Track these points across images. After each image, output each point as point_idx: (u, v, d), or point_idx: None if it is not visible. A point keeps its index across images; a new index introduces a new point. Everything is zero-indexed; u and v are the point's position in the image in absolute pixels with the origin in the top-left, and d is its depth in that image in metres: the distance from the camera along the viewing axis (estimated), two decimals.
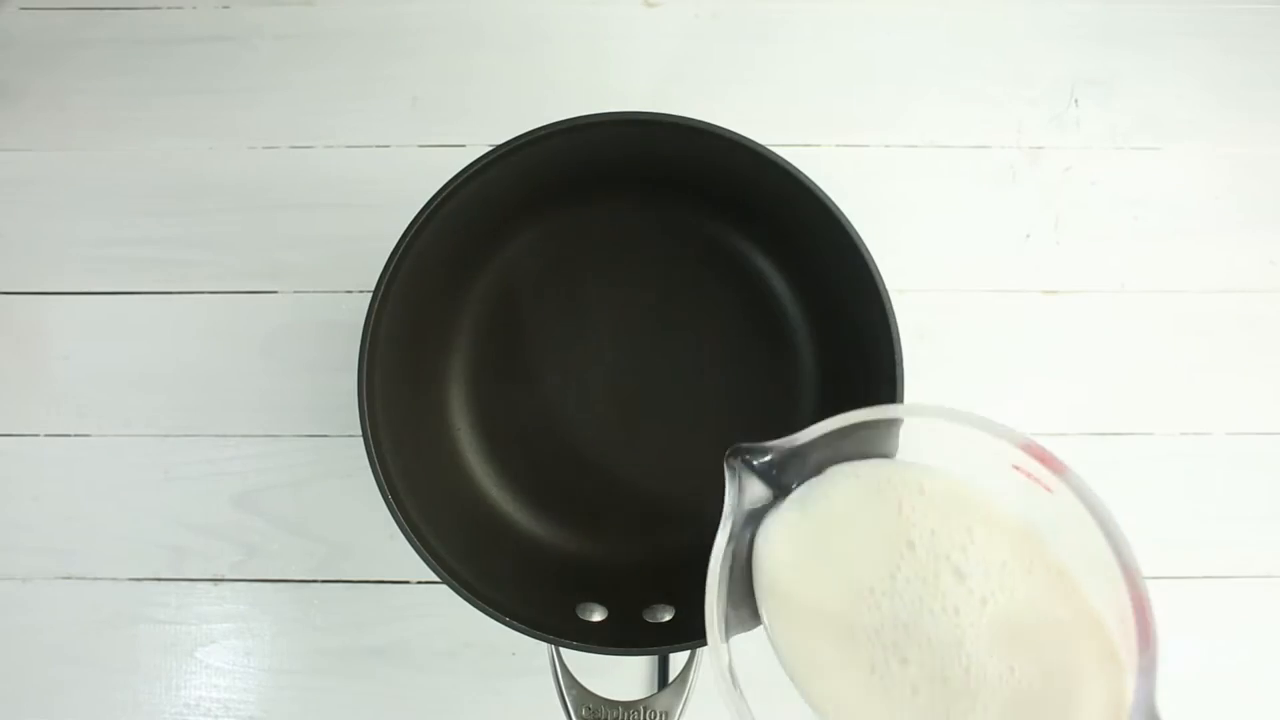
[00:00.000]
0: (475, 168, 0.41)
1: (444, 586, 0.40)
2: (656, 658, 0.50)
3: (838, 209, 0.41)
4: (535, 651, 0.50)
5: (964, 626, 0.27)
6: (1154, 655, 0.20)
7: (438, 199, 0.41)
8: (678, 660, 0.48)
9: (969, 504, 0.29)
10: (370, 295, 0.41)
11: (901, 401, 0.40)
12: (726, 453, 0.31)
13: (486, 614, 0.40)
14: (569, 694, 0.42)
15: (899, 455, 0.31)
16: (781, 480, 0.32)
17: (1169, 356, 0.53)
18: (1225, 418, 0.53)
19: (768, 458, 0.31)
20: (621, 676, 0.49)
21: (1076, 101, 0.56)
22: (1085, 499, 0.23)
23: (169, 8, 0.57)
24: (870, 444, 0.31)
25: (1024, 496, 0.27)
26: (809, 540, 0.31)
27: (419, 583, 0.51)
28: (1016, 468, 0.26)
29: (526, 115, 0.43)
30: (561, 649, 0.42)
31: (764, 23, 0.57)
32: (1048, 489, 0.25)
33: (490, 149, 0.42)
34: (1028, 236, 0.54)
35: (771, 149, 0.42)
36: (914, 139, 0.55)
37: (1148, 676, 0.20)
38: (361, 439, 0.40)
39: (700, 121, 0.41)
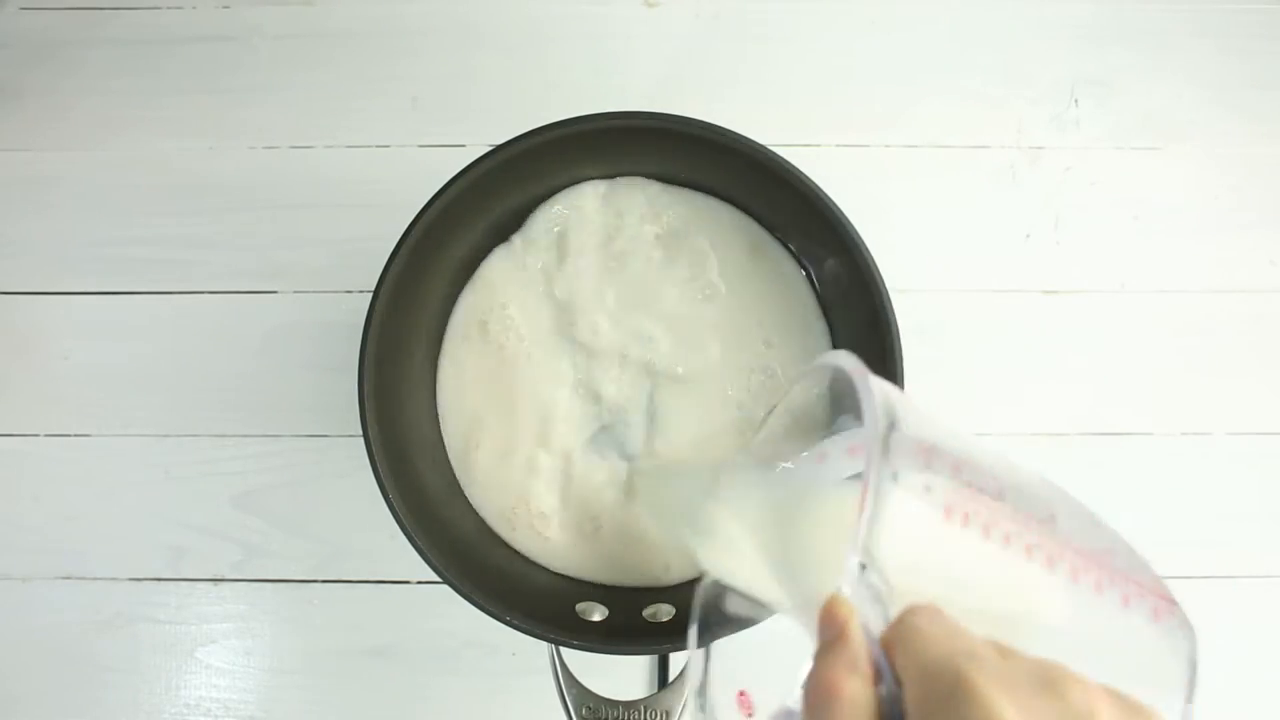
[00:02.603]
0: (475, 167, 0.41)
1: (444, 586, 0.40)
2: (656, 657, 0.50)
3: (838, 209, 0.41)
4: (535, 651, 0.50)
5: None
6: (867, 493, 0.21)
7: (437, 199, 0.41)
8: (678, 660, 0.48)
9: None
10: (370, 295, 0.41)
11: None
12: None
13: (486, 614, 0.40)
14: (569, 693, 0.42)
15: None
16: None
17: (1169, 356, 0.53)
18: (1225, 418, 0.53)
19: None
20: (621, 676, 0.49)
21: (1076, 101, 0.56)
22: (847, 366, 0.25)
23: (169, 8, 0.57)
24: None
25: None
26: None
27: (419, 583, 0.51)
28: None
29: (526, 115, 0.43)
30: (562, 649, 0.42)
31: (764, 23, 0.57)
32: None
33: (490, 149, 0.42)
34: (1028, 236, 0.54)
35: (771, 149, 0.42)
36: (914, 139, 0.55)
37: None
38: (362, 439, 0.41)
39: (700, 121, 0.41)
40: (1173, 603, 0.24)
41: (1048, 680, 0.19)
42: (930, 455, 0.23)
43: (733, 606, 0.33)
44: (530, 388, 0.46)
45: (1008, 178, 0.55)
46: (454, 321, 0.48)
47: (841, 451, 0.30)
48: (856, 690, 0.20)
